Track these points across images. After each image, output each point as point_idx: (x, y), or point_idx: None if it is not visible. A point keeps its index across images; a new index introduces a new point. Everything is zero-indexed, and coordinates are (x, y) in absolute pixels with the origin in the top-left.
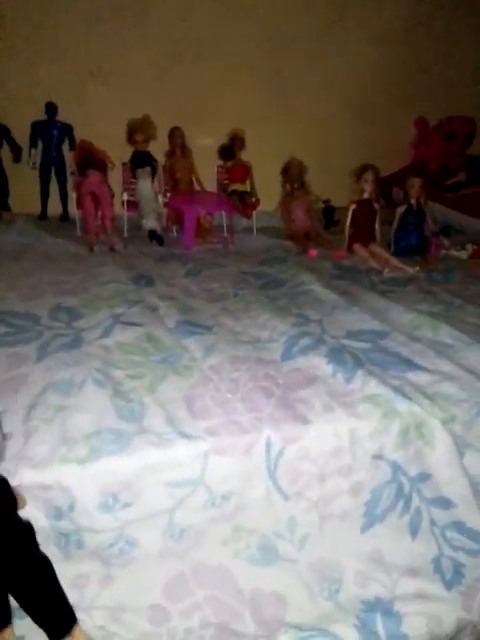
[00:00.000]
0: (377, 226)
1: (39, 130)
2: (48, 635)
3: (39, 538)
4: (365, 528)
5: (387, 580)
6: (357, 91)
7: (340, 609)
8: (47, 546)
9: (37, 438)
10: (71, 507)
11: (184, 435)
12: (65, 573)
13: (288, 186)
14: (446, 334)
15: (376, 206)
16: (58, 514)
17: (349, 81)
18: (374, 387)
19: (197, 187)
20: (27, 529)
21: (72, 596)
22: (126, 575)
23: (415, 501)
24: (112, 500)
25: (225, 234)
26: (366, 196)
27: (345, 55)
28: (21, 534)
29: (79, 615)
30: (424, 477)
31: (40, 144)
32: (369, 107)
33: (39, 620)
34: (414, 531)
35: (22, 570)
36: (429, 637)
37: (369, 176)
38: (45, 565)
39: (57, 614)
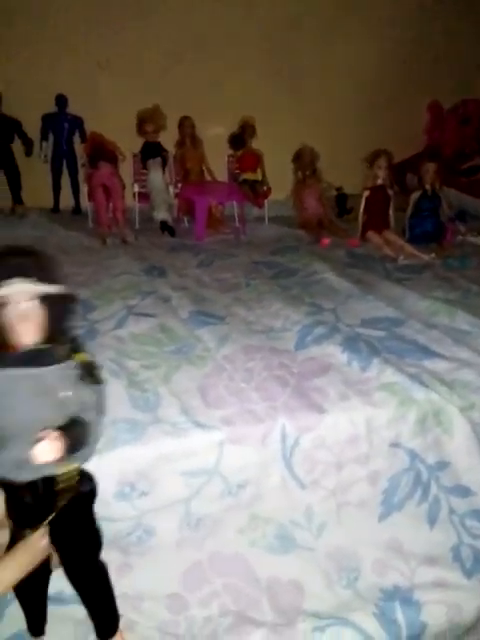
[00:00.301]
0: (391, 212)
1: (50, 123)
2: (96, 633)
3: None
4: (383, 516)
5: (406, 569)
6: (368, 77)
7: (359, 597)
8: None
9: None
10: None
11: (199, 425)
12: None
13: (300, 174)
14: (463, 321)
15: (390, 192)
16: None
17: (359, 67)
18: (390, 375)
19: (208, 177)
20: (97, 528)
21: None
22: (144, 564)
23: (433, 489)
24: (129, 489)
25: (237, 224)
26: (380, 182)
27: (355, 42)
28: (93, 527)
29: None
30: (442, 465)
31: (51, 137)
32: (380, 93)
33: (91, 616)
34: (432, 520)
35: (87, 564)
36: (449, 626)
37: (382, 162)
38: (104, 569)
39: (107, 616)
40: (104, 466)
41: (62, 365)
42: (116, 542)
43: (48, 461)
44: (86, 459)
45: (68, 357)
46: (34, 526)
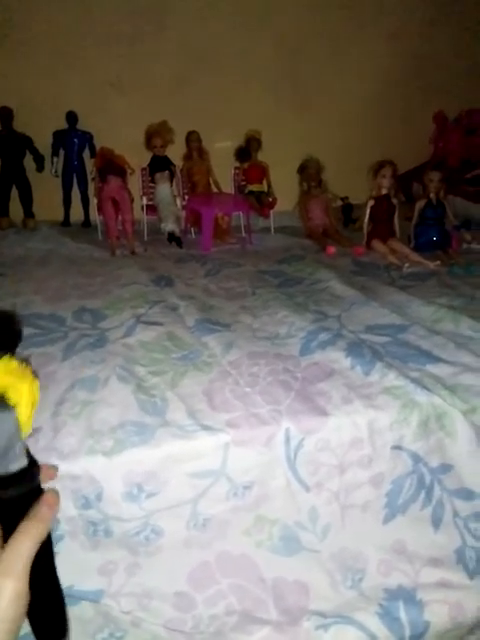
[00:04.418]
0: (396, 221)
1: (60, 139)
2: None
3: (69, 527)
4: (387, 519)
5: (410, 570)
6: (373, 88)
7: (363, 597)
8: (76, 535)
9: (65, 431)
10: (98, 496)
11: (205, 427)
12: (94, 560)
13: (305, 185)
14: (467, 326)
15: (394, 201)
16: (86, 504)
17: (365, 78)
18: (393, 379)
19: (214, 189)
20: None
21: (101, 583)
22: (152, 563)
23: (437, 492)
24: (137, 490)
25: (243, 234)
26: (384, 191)
27: (360, 53)
28: None
29: (107, 601)
30: (446, 468)
31: (62, 153)
32: (386, 104)
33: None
34: (436, 522)
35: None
36: (452, 624)
37: (386, 171)
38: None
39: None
40: (113, 467)
41: None
42: (125, 541)
43: None
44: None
45: None
46: None
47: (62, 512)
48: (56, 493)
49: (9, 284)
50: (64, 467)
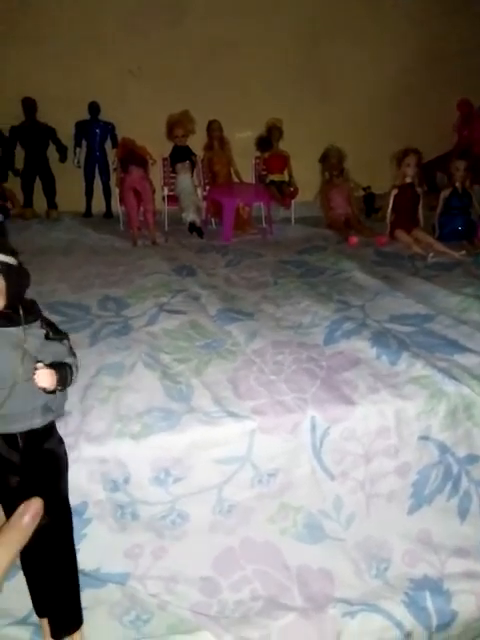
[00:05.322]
0: (420, 211)
1: (83, 130)
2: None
3: (97, 510)
4: (412, 509)
5: (436, 560)
6: (396, 76)
7: (388, 586)
8: (104, 518)
9: (94, 415)
10: (126, 480)
11: (231, 414)
12: (121, 543)
13: (327, 174)
14: None
15: (418, 190)
16: (115, 487)
17: (388, 66)
18: (420, 369)
19: (235, 179)
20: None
21: (127, 565)
22: (178, 547)
23: (464, 483)
24: (164, 474)
25: (264, 225)
26: (408, 180)
27: (383, 39)
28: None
29: (133, 584)
30: (473, 459)
31: (84, 143)
32: (409, 92)
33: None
34: (463, 513)
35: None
36: (479, 614)
37: (411, 160)
38: (73, 551)
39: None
40: (140, 452)
41: (32, 325)
42: (151, 525)
43: (47, 388)
44: (59, 414)
45: (35, 319)
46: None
47: (90, 495)
48: (41, 503)
49: (33, 273)
50: (93, 450)
